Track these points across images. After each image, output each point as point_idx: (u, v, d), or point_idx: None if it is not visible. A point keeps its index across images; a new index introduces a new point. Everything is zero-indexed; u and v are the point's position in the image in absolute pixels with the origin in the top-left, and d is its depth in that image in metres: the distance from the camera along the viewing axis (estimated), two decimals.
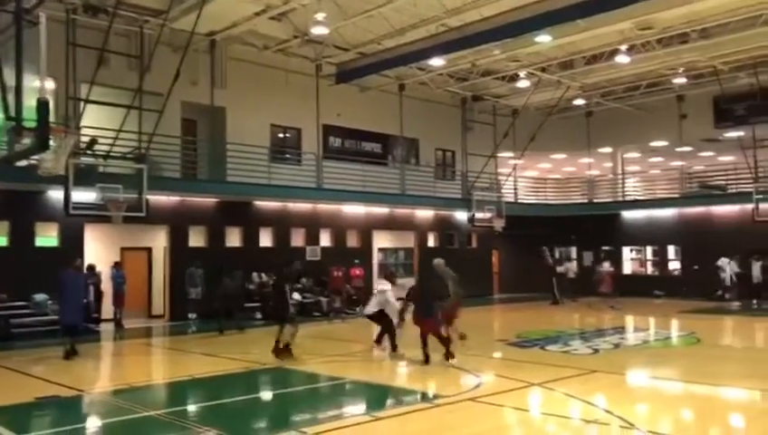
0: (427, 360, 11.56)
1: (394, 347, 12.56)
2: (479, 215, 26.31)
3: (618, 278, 24.41)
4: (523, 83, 25.62)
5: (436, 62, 22.63)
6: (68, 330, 13.05)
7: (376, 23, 19.40)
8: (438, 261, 13.86)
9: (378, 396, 9.63)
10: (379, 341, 13.03)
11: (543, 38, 20.11)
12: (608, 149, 31.11)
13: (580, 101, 28.45)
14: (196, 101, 20.66)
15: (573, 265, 27.32)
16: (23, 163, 13.93)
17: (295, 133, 24.08)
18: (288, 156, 24.04)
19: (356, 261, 23.50)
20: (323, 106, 23.09)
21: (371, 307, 12.99)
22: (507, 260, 29.87)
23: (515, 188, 30.48)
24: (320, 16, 18.19)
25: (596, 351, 13.31)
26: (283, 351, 12.33)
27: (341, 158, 24.39)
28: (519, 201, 30.07)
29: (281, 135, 24.00)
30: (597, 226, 28.51)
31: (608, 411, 8.06)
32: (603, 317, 19.89)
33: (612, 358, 12.52)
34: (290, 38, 20.79)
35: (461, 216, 27.28)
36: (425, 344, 11.71)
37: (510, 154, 29.11)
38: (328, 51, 22.21)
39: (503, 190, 28.18)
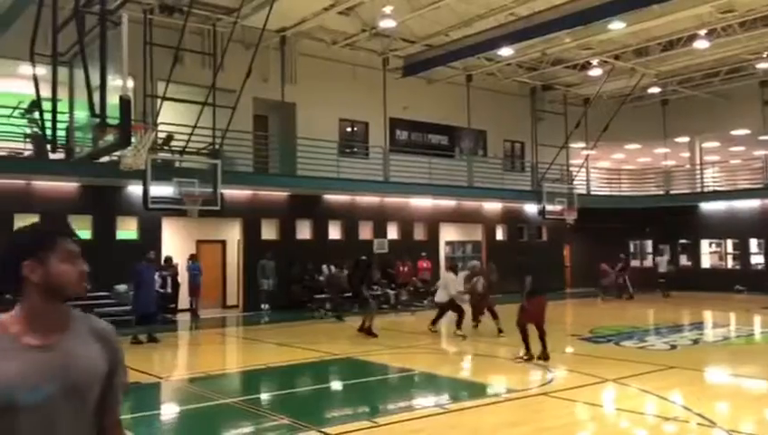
0: (530, 356, 10.77)
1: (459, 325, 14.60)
2: (550, 207, 25.79)
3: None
4: (595, 72, 24.96)
5: (505, 51, 22.32)
6: (143, 319, 13.72)
7: (443, 14, 19.28)
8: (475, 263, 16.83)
9: (449, 388, 9.60)
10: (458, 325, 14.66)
11: (617, 25, 19.52)
12: (685, 139, 29.95)
13: (655, 89, 27.49)
14: (267, 97, 21.08)
15: (665, 259, 25.58)
16: (105, 159, 14.59)
17: (363, 127, 24.25)
18: (356, 150, 24.24)
19: (423, 254, 23.48)
20: (390, 99, 23.13)
21: (442, 297, 15.07)
22: (579, 254, 29.20)
23: (587, 180, 29.75)
24: (387, 9, 18.24)
25: (673, 347, 12.88)
26: (366, 331, 14.18)
27: (408, 151, 24.41)
28: (591, 193, 29.35)
29: (349, 129, 24.22)
30: (673, 218, 27.51)
31: (686, 409, 7.79)
32: (665, 311, 19.22)
33: (691, 354, 12.08)
34: (358, 32, 20.94)
35: (531, 208, 26.83)
36: (526, 335, 10.88)
37: (582, 144, 28.43)
38: (395, 44, 22.25)
39: (574, 182, 27.55)
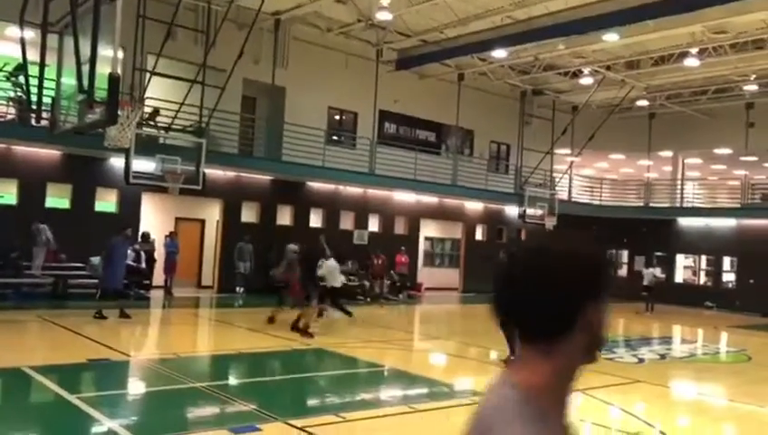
0: None
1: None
2: (530, 211, 25.98)
3: None
4: (585, 80, 25.11)
5: (499, 53, 22.34)
6: (114, 295, 13.64)
7: (440, 11, 19.26)
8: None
9: (417, 387, 9.67)
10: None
11: (611, 36, 19.61)
12: (668, 153, 30.28)
13: (643, 102, 27.73)
14: (257, 79, 20.92)
15: (650, 271, 23.95)
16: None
17: (351, 117, 24.20)
18: (343, 139, 24.19)
19: (402, 248, 23.54)
20: (381, 91, 23.07)
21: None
22: None
23: (570, 187, 29.97)
24: (384, 2, 18.19)
25: (641, 360, 13.07)
26: (302, 331, 12.66)
27: (395, 144, 24.40)
28: (572, 200, 29.59)
29: (337, 118, 24.15)
30: (651, 230, 27.85)
31: (649, 424, 7.93)
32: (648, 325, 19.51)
33: (658, 369, 12.28)
34: (353, 21, 20.85)
35: (512, 211, 27.01)
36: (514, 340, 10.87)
37: (567, 151, 28.61)
38: (390, 36, 22.17)
39: (556, 188, 27.76)
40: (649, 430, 7.68)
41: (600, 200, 31.19)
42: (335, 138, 23.90)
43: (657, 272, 24.34)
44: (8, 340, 11.36)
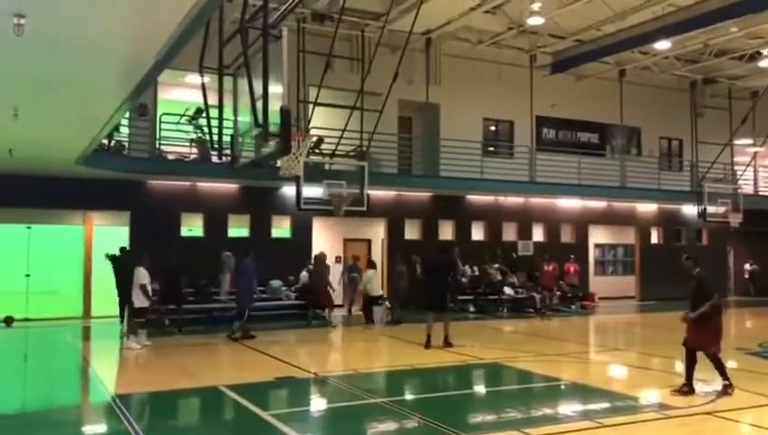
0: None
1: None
2: (711, 209, 24.00)
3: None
4: (765, 62, 22.88)
5: (663, 44, 21.06)
6: (242, 314, 14.45)
7: (595, 8, 18.54)
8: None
9: (601, 401, 9.20)
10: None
11: None
12: None
13: None
14: (411, 99, 21.31)
15: None
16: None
17: (507, 126, 23.87)
18: (500, 149, 23.91)
19: (570, 257, 22.68)
20: (537, 97, 22.58)
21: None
22: (744, 260, 26.97)
23: (755, 179, 27.38)
24: (535, 6, 17.84)
25: None
26: (445, 343, 13.00)
27: (555, 150, 23.69)
28: (760, 193, 26.99)
29: (493, 128, 23.93)
30: None
31: None
32: None
33: None
34: (504, 30, 20.64)
35: (689, 210, 25.14)
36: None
37: (749, 141, 26.22)
38: (543, 40, 21.69)
39: (740, 182, 25.47)
40: None
41: None
42: (491, 148, 23.67)
43: None
44: (204, 361, 12.36)
